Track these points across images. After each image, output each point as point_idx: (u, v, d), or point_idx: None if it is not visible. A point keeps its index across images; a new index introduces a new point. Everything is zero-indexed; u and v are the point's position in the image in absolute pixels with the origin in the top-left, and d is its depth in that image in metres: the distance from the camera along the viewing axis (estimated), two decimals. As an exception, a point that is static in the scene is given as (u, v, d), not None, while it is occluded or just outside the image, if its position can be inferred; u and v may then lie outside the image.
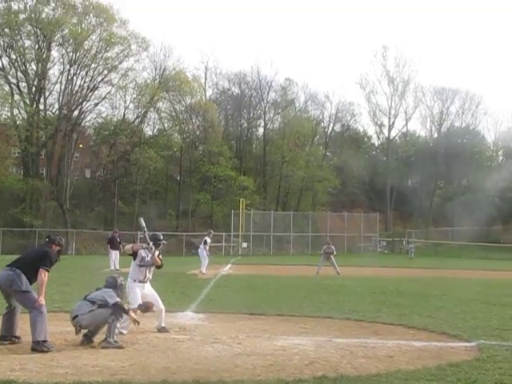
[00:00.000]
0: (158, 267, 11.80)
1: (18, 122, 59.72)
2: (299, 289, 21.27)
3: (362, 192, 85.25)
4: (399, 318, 13.72)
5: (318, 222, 67.42)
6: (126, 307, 10.25)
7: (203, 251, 29.83)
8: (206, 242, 30.29)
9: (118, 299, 10.23)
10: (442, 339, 11.21)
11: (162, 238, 12.15)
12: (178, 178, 71.97)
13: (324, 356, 9.47)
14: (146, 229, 12.10)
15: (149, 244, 11.68)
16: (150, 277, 11.75)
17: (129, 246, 12.20)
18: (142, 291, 11.47)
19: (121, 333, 10.44)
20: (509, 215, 71.24)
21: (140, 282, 11.52)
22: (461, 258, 55.39)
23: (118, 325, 10.19)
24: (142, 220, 12.56)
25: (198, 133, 71.57)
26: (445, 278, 28.65)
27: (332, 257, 31.68)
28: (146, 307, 11.18)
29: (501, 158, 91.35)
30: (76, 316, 10.09)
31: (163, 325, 11.62)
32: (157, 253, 11.77)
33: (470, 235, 61.32)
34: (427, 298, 18.71)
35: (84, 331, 10.19)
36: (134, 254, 11.63)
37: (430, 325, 12.73)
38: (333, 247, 32.46)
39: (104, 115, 67.96)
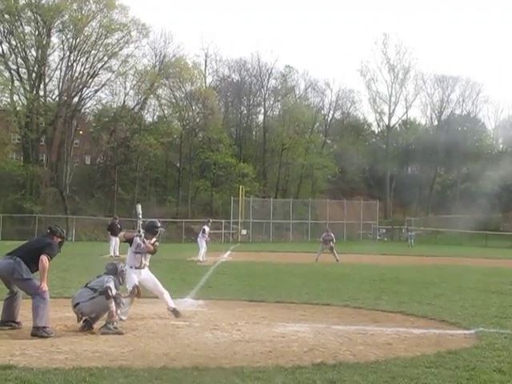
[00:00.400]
0: (152, 253, 11.82)
1: (18, 108, 59.54)
2: (298, 276, 21.31)
3: (362, 179, 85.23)
4: (398, 306, 13.75)
5: (317, 210, 67.45)
6: (112, 294, 10.13)
7: (202, 240, 29.94)
8: (204, 231, 30.44)
9: (111, 285, 10.18)
10: (441, 327, 11.24)
11: (159, 225, 12.18)
12: (178, 165, 71.91)
13: (323, 343, 9.50)
14: (140, 216, 12.12)
15: (139, 232, 11.70)
16: (147, 263, 11.78)
17: (121, 234, 12.24)
18: (139, 277, 11.48)
19: (120, 319, 10.46)
20: (509, 203, 71.37)
21: (136, 268, 11.55)
22: (460, 245, 55.47)
23: (119, 311, 10.21)
24: (139, 207, 12.60)
25: (197, 120, 71.46)
26: (444, 266, 28.68)
27: (331, 244, 31.76)
28: (138, 291, 11.19)
29: (501, 146, 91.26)
30: (77, 303, 10.11)
31: (173, 306, 11.71)
32: (153, 239, 11.80)
33: (469, 223, 61.35)
34: (426, 285, 18.75)
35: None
36: (130, 241, 11.66)
37: (429, 312, 12.76)
38: (332, 234, 32.55)
39: (104, 102, 67.91)
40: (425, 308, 13.44)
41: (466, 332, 10.66)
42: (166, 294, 11.78)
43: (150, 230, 11.87)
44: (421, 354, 8.60)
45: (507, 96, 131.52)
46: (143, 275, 11.61)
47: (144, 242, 11.58)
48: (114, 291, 10.17)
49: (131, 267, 11.49)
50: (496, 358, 8.39)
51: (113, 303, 10.04)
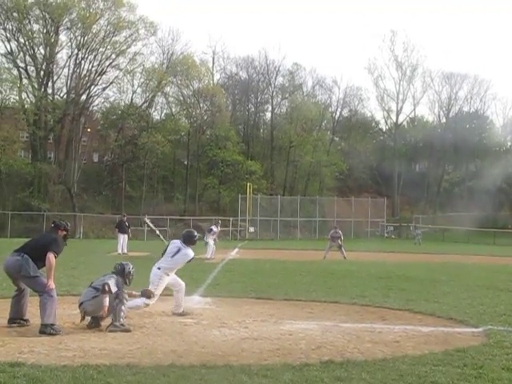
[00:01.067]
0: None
1: (26, 106, 59.74)
2: (306, 273, 21.28)
3: (370, 177, 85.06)
4: (406, 304, 13.72)
5: (325, 207, 67.41)
6: (107, 289, 10.09)
7: (208, 239, 30.07)
8: (210, 231, 30.64)
9: (110, 282, 10.18)
10: (449, 324, 11.22)
11: (196, 234, 12.34)
12: (186, 163, 72.02)
13: (331, 340, 9.49)
14: (152, 226, 12.41)
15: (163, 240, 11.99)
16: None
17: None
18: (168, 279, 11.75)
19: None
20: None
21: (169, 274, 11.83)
22: (468, 243, 55.33)
23: (124, 308, 10.19)
24: (146, 219, 12.83)
25: (205, 117, 71.52)
26: (452, 264, 28.61)
27: (339, 241, 31.75)
28: (147, 294, 11.28)
29: (509, 143, 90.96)
30: (82, 303, 10.15)
31: (181, 310, 11.75)
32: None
33: (477, 221, 61.24)
34: (434, 283, 18.70)
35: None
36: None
37: (436, 310, 12.73)
38: (340, 232, 32.54)
39: (112, 99, 68.14)
40: (433, 306, 13.41)
41: (474, 330, 10.63)
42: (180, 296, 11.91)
43: (189, 240, 12.04)
44: (429, 352, 8.58)
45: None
46: (171, 276, 11.83)
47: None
48: (113, 289, 10.15)
49: (167, 273, 11.69)
50: (504, 356, 8.37)
51: (106, 298, 10.01)
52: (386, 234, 67.19)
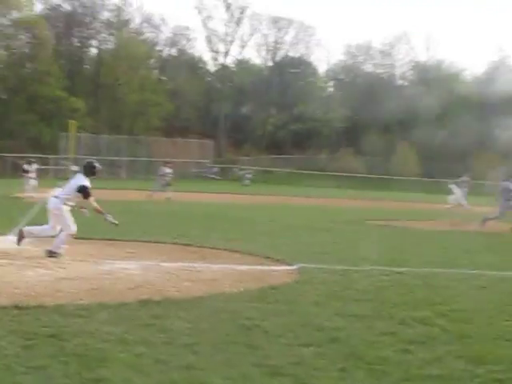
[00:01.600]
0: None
1: None
2: (128, 213, 21.10)
3: (197, 118, 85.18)
4: (227, 243, 13.99)
5: (151, 147, 66.96)
6: None
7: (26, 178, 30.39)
8: (24, 170, 31.01)
9: None
10: (265, 263, 11.59)
11: (96, 165, 12.54)
12: (3, 97, 68.33)
13: (150, 280, 9.51)
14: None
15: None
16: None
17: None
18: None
19: None
20: (335, 145, 74.17)
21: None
22: (290, 185, 57.25)
23: None
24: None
25: (26, 50, 68.03)
26: (273, 205, 29.56)
27: (168, 180, 31.73)
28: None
29: (331, 89, 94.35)
30: None
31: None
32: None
33: (299, 163, 63.38)
34: (254, 223, 19.25)
35: None
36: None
37: (255, 249, 13.09)
38: (171, 170, 32.60)
39: None
40: (252, 245, 13.76)
41: (288, 268, 11.06)
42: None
43: (88, 170, 12.19)
44: (244, 290, 8.85)
45: (338, 42, 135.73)
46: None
47: None
48: None
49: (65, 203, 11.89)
50: (314, 292, 8.82)
51: None
52: (211, 176, 67.89)
